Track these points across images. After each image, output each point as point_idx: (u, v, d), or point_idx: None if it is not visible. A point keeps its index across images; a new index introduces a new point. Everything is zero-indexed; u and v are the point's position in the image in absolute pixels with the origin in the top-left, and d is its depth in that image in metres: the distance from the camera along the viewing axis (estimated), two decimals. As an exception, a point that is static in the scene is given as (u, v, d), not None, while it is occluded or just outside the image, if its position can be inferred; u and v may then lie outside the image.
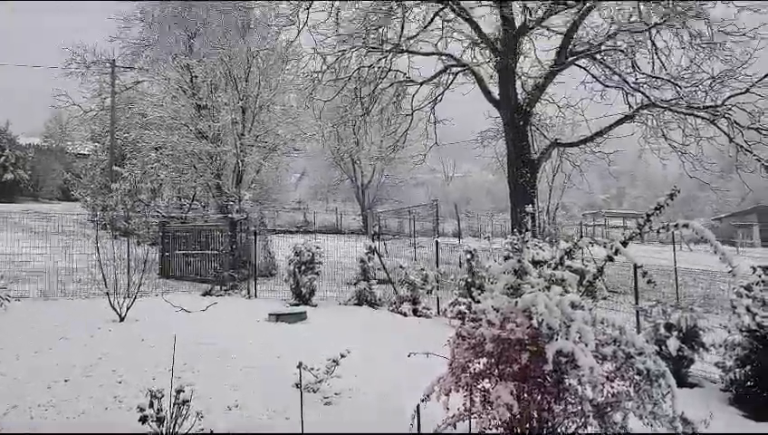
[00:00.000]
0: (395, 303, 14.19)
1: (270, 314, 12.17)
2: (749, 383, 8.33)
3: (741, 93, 16.10)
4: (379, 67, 19.73)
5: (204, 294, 15.25)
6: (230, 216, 17.82)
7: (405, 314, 13.60)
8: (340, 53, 18.71)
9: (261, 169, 21.94)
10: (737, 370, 8.56)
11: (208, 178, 19.95)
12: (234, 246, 17.33)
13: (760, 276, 8.60)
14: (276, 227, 33.31)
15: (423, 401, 5.00)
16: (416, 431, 4.97)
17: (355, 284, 15.01)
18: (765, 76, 15.58)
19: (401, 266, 15.11)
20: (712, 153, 18.56)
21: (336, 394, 7.19)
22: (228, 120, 19.68)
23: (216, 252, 17.53)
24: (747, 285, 8.68)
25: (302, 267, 14.57)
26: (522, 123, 19.11)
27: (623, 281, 14.47)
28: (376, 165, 39.21)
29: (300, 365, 6.29)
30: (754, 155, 16.48)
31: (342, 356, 7.30)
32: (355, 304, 14.52)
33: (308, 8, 17.60)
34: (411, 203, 39.55)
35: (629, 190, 76.25)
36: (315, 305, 14.24)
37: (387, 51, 18.67)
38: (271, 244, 19.92)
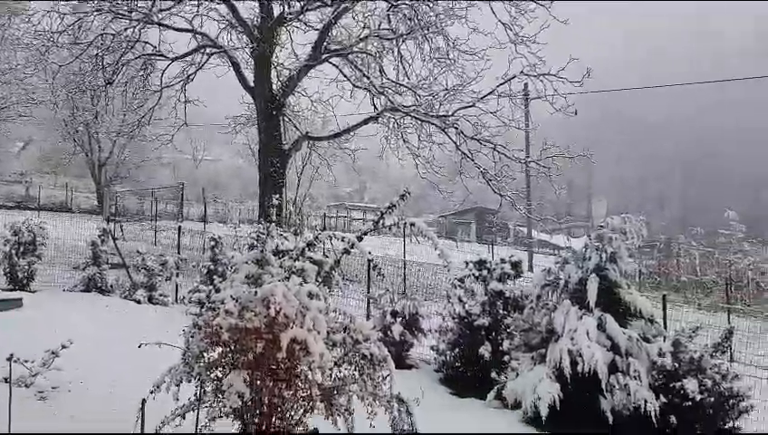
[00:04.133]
0: (129, 289, 13.36)
1: (-25, 301, 10.64)
2: (457, 364, 9.53)
3: (468, 106, 18.09)
4: (126, 36, 18.15)
5: None
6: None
7: (139, 302, 12.89)
8: (81, 15, 16.85)
9: (-27, 133, 18.92)
10: (448, 352, 9.73)
11: None
12: (-69, 221, 14.72)
13: (471, 270, 9.87)
14: (-10, 200, 29.12)
15: (152, 392, 4.82)
16: (139, 431, 4.73)
17: (84, 268, 13.76)
18: (489, 94, 17.75)
19: (138, 251, 14.26)
20: (442, 158, 20.67)
21: (53, 388, 6.56)
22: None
23: None
24: (461, 277, 9.92)
25: (21, 249, 12.97)
26: (275, 113, 19.21)
27: (360, 271, 15.43)
28: (117, 141, 36.00)
29: (10, 357, 5.62)
30: (475, 162, 18.69)
31: (64, 347, 6.67)
32: (82, 291, 13.34)
33: (43, -42, 15.55)
34: (155, 184, 37.39)
35: (371, 185, 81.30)
36: (35, 291, 12.79)
37: (136, 20, 17.26)
38: (-19, 220, 17.34)
